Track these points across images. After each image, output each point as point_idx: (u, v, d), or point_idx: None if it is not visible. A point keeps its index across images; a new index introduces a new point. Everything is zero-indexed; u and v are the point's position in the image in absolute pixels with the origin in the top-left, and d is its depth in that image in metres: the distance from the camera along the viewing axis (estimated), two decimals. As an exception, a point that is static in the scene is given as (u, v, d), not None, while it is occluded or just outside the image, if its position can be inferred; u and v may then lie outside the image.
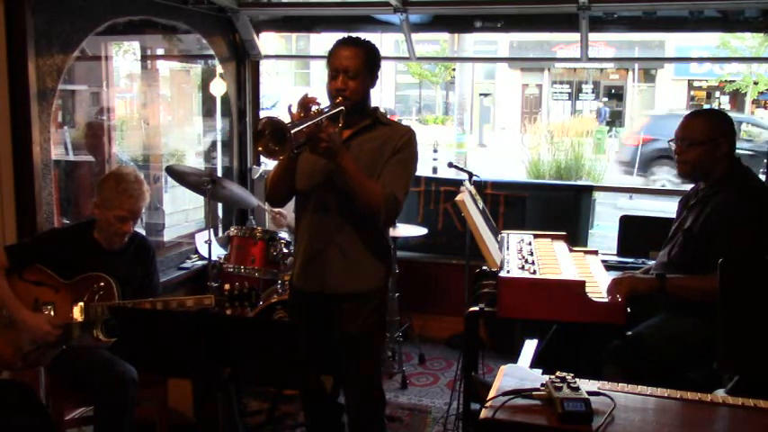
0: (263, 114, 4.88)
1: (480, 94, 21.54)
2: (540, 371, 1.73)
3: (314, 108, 2.23)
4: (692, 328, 2.32)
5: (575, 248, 2.94)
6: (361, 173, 2.34)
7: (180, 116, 7.05)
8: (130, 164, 5.84)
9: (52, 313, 2.70)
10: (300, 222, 2.56)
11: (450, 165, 4.53)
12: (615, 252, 3.63)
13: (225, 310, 2.84)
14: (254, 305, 2.95)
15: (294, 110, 2.21)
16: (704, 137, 2.45)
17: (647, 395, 1.63)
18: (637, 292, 2.31)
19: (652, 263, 2.77)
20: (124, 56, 6.95)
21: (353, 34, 2.49)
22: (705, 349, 2.11)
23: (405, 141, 2.45)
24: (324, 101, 2.34)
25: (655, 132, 11.66)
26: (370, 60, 2.42)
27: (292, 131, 2.04)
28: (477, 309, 2.38)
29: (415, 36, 4.36)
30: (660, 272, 2.48)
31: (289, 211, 4.16)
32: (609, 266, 2.84)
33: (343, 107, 2.34)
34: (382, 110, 2.58)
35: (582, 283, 2.27)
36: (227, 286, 2.84)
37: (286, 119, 2.12)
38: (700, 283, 2.29)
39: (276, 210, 4.07)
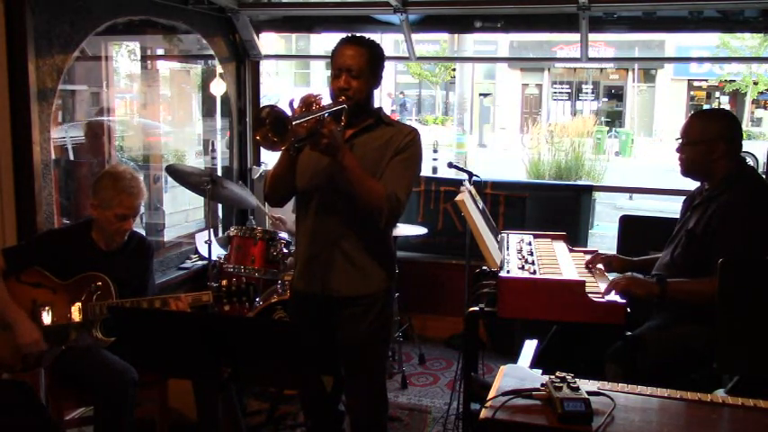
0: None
1: (480, 95, 21.52)
2: (540, 371, 1.73)
3: (316, 105, 2.20)
4: (694, 334, 2.29)
5: (575, 248, 2.94)
6: (363, 171, 2.29)
7: (180, 116, 7.06)
8: (130, 164, 5.84)
9: (50, 314, 2.70)
10: (302, 224, 2.51)
11: (450, 165, 4.53)
12: (615, 252, 3.62)
13: (223, 306, 2.84)
14: (251, 301, 2.94)
15: (296, 105, 2.17)
16: (699, 138, 2.46)
17: (647, 395, 1.63)
18: (632, 294, 2.29)
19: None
20: (128, 56, 6.96)
21: (357, 34, 2.45)
22: (707, 355, 2.10)
23: (408, 141, 2.40)
24: (327, 99, 2.31)
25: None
26: (374, 60, 2.39)
27: (293, 123, 2.01)
28: (477, 309, 2.37)
29: (414, 36, 4.35)
30: (661, 274, 2.46)
31: (288, 215, 4.19)
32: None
33: (345, 105, 2.31)
34: (385, 110, 2.55)
35: (582, 283, 2.27)
36: (224, 282, 2.83)
37: (287, 112, 2.08)
38: (703, 286, 2.25)
39: (277, 216, 4.07)
